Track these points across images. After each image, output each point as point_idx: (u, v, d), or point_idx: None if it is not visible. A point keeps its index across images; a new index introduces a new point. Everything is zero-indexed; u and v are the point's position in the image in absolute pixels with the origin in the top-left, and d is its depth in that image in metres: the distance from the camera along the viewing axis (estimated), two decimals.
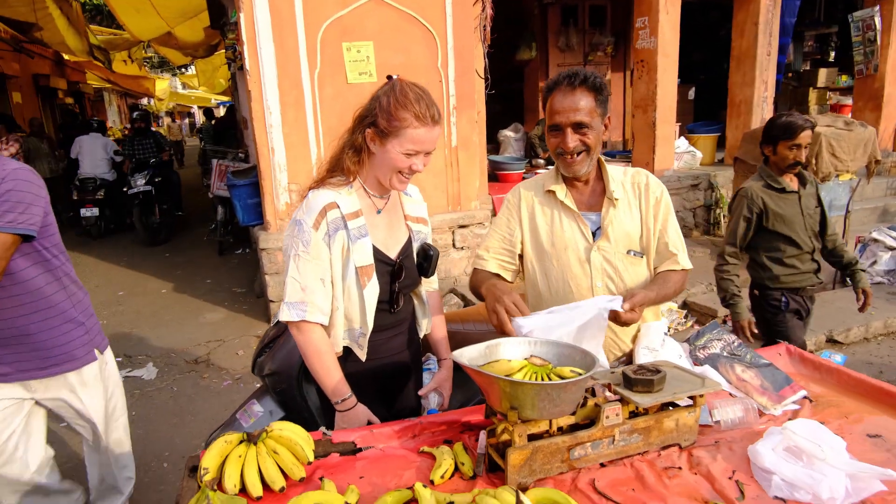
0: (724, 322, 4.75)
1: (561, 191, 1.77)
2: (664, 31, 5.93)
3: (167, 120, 27.32)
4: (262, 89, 4.41)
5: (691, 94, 8.62)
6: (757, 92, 6.47)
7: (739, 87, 6.64)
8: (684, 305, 5.05)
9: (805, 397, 1.65)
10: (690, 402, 1.42)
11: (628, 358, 1.79)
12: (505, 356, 1.37)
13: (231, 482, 1.28)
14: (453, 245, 5.26)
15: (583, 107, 1.62)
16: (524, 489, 1.27)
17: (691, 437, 1.44)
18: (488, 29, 5.23)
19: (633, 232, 1.76)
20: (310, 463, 1.37)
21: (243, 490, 1.29)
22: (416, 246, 1.78)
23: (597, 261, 1.74)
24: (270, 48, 4.37)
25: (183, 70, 22.04)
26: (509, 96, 9.43)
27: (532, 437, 1.31)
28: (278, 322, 2.03)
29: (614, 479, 1.32)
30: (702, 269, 5.56)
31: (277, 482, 1.29)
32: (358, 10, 4.53)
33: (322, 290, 1.60)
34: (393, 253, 1.71)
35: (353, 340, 1.69)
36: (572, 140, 1.65)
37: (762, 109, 6.54)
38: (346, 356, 1.71)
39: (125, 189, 7.88)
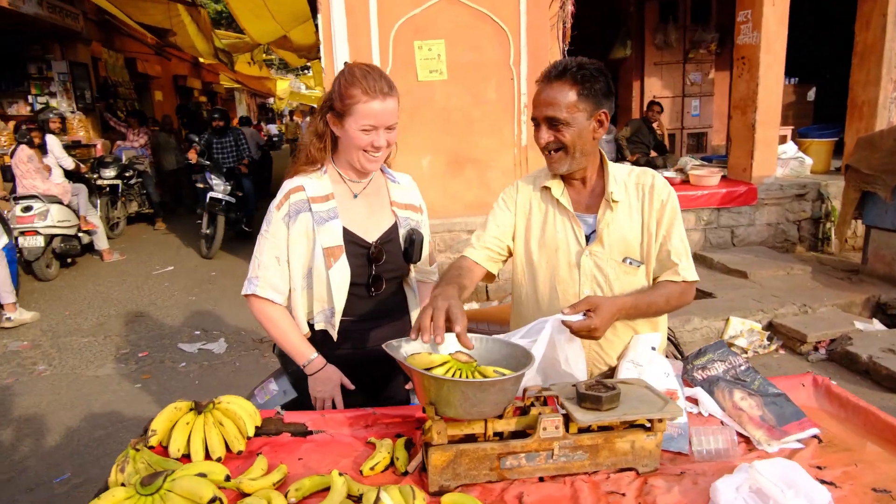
0: (816, 350, 4.25)
1: (557, 188, 1.67)
2: (769, 24, 5.41)
3: (288, 118, 29.38)
4: None
5: (811, 94, 7.82)
6: (883, 92, 5.70)
7: (862, 86, 5.89)
8: (769, 326, 4.58)
9: (814, 436, 1.44)
10: (648, 424, 1.29)
11: (613, 373, 1.66)
12: (442, 351, 1.32)
13: (175, 446, 1.35)
14: None
15: (559, 101, 1.51)
16: (444, 492, 1.22)
17: (651, 463, 1.31)
18: (568, 26, 5.08)
19: (631, 238, 1.62)
20: (249, 438, 1.41)
21: (186, 455, 1.35)
22: (402, 232, 1.77)
23: (587, 266, 1.63)
24: (345, 47, 4.54)
25: (305, 72, 23.59)
26: None
27: (466, 439, 1.26)
28: None
29: (547, 495, 1.23)
30: (798, 287, 5.01)
31: (217, 452, 1.35)
32: (431, 9, 4.59)
33: (276, 267, 1.66)
34: (372, 237, 1.71)
35: (327, 321, 1.71)
36: (545, 136, 1.56)
37: (889, 112, 5.76)
38: (324, 341, 1.73)
39: (196, 182, 7.49)
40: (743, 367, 1.61)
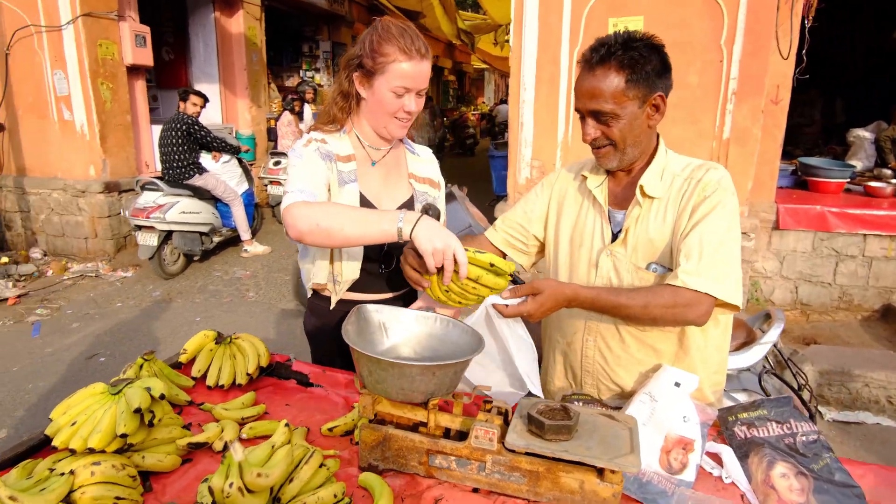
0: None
1: (595, 179, 1.47)
2: None
3: None
4: (520, 65, 4.56)
5: None
6: None
7: None
8: None
9: None
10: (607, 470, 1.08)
11: (627, 397, 1.40)
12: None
13: (196, 367, 1.57)
14: None
15: (603, 91, 1.29)
16: (374, 471, 1.20)
17: None
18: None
19: (659, 241, 1.35)
20: (250, 375, 1.54)
21: (204, 376, 1.56)
22: (418, 208, 1.67)
23: (605, 267, 1.41)
24: (534, 25, 4.45)
25: None
26: (882, 86, 7.29)
27: (410, 426, 1.22)
28: None
29: None
30: None
31: (223, 380, 1.52)
32: None
33: (324, 193, 1.48)
34: (387, 209, 1.61)
35: (330, 281, 1.62)
36: (592, 130, 1.35)
37: None
38: (328, 307, 1.67)
39: None
40: (810, 439, 1.23)
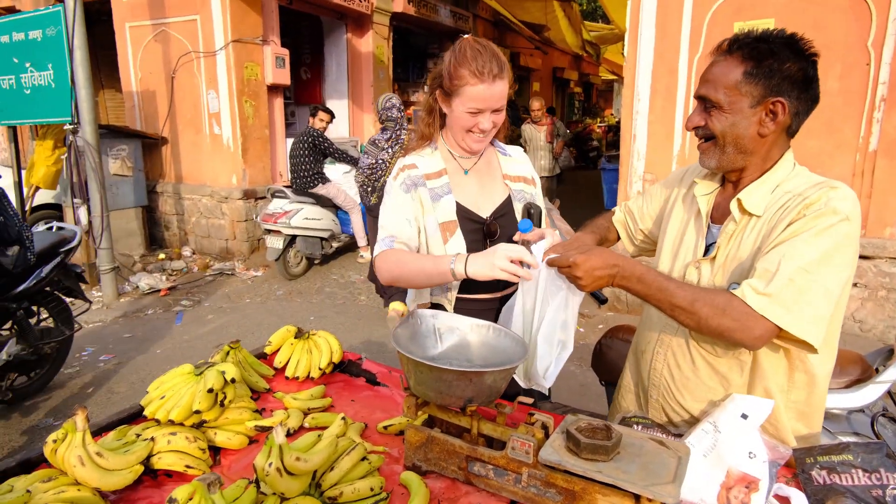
0: None
1: (703, 186, 1.38)
2: None
3: None
4: (634, 75, 4.40)
5: None
6: None
7: None
8: None
9: None
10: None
11: (692, 423, 1.30)
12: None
13: (279, 359, 1.71)
14: None
15: (718, 78, 1.22)
16: (418, 471, 1.24)
17: None
18: None
19: (748, 261, 1.24)
20: (322, 370, 1.65)
21: (285, 366, 1.70)
22: (518, 206, 1.70)
23: (691, 280, 1.33)
24: (651, 33, 4.27)
25: None
26: None
27: (456, 430, 1.26)
28: None
29: None
30: None
31: (298, 372, 1.65)
32: None
33: (409, 228, 1.60)
34: (485, 212, 1.67)
35: (443, 294, 1.69)
36: (696, 117, 1.28)
37: None
38: None
39: None
40: None
